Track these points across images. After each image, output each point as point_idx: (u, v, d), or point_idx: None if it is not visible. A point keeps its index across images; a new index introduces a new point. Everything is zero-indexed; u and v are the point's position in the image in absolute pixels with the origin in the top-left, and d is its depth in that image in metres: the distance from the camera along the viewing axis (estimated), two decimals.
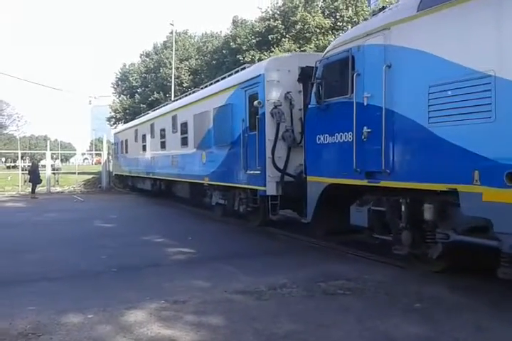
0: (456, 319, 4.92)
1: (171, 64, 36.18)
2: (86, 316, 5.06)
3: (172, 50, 35.69)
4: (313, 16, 28.43)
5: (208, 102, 13.18)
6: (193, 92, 17.94)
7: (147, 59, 42.63)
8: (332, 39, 25.66)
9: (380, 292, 5.90)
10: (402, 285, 6.23)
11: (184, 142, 15.25)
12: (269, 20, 29.64)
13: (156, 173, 18.95)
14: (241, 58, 29.33)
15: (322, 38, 28.42)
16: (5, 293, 6.14)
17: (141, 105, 38.19)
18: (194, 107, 14.40)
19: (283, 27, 29.14)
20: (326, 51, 8.16)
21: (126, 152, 24.96)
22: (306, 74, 9.38)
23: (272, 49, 28.24)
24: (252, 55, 29.05)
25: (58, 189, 27.21)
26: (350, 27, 30.30)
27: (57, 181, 28.61)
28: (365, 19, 30.73)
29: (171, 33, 38.55)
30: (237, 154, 11.03)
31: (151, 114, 21.11)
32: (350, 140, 7.18)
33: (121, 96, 43.37)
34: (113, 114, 44.08)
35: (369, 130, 6.77)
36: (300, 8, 28.46)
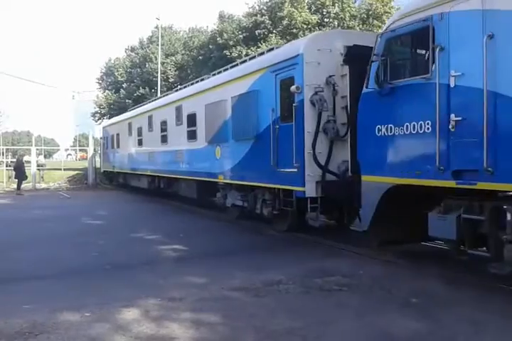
0: (453, 313, 4.87)
1: (156, 59, 35.39)
2: (83, 314, 4.88)
3: (158, 45, 35.23)
4: (300, 12, 28.22)
5: (224, 90, 11.31)
6: (190, 84, 16.20)
7: (132, 53, 41.66)
8: None
9: (375, 287, 5.80)
10: (397, 280, 6.13)
11: (191, 136, 13.40)
12: (256, 16, 29.38)
13: (155, 170, 17.00)
14: (228, 53, 29.08)
15: (309, 33, 28.46)
16: None
17: (127, 100, 37.36)
18: (205, 96, 12.44)
19: (270, 22, 28.90)
20: (389, 22, 6.64)
21: (118, 147, 23.01)
22: (353, 55, 8.00)
23: (259, 44, 28.16)
24: (239, 51, 28.79)
25: (43, 185, 26.13)
26: (336, 23, 30.51)
27: (42, 177, 28.14)
28: (352, 15, 30.98)
29: (157, 27, 37.95)
30: (265, 149, 9.36)
31: (149, 105, 19.01)
32: (429, 131, 5.70)
33: (106, 91, 42.66)
34: (98, 109, 43.42)
35: (459, 118, 5.34)
36: (287, 4, 28.18)
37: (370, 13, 28.34)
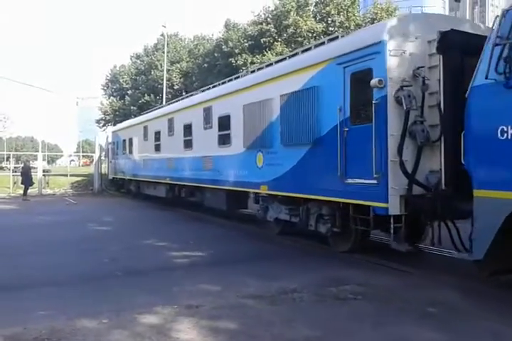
0: (473, 325, 4.80)
1: (162, 66, 35.61)
2: (100, 321, 4.88)
3: (163, 52, 35.42)
4: (306, 21, 28.36)
5: (269, 88, 9.89)
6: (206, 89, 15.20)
7: (138, 61, 41.92)
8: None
9: (391, 297, 5.75)
10: (412, 290, 6.09)
11: (224, 141, 12.00)
12: (262, 24, 29.49)
13: (176, 178, 15.50)
14: (233, 61, 29.32)
15: (314, 42, 28.62)
16: (12, 297, 5.96)
17: (132, 107, 37.62)
18: (243, 96, 11.00)
19: (275, 31, 29.08)
20: None
21: (130, 152, 21.46)
22: (450, 42, 6.69)
23: (265, 52, 28.32)
24: (245, 59, 28.92)
25: (49, 191, 26.38)
26: (341, 32, 30.66)
27: (48, 183, 28.21)
28: (357, 24, 31.18)
29: (162, 35, 38.20)
30: (327, 156, 8.00)
31: (169, 107, 17.37)
32: None
33: (111, 97, 43.00)
34: (102, 115, 43.64)
35: None
36: (292, 13, 28.42)
37: (375, 22, 28.47)
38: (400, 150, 6.77)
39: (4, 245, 9.93)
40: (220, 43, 31.08)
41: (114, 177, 25.79)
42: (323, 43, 9.11)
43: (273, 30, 28.67)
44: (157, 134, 17.54)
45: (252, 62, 27.25)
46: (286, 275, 6.97)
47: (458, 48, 6.61)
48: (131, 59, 43.37)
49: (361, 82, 7.34)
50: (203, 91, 14.89)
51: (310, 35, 28.40)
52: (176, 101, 17.53)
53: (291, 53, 10.47)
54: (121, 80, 40.73)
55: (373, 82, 6.93)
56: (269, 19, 29.30)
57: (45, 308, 5.42)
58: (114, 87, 42.48)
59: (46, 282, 6.78)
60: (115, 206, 19.82)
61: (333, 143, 7.90)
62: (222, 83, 13.42)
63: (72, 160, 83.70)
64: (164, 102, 28.12)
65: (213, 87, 14.03)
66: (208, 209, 13.95)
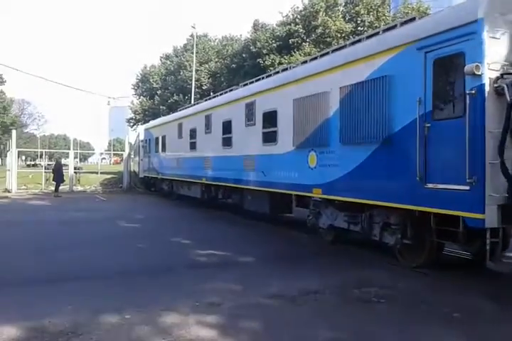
0: (500, 331, 4.67)
1: (191, 66, 35.88)
2: (123, 316, 4.94)
3: (192, 53, 35.74)
4: (334, 21, 28.11)
5: (325, 79, 8.82)
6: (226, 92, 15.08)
7: (167, 61, 42.47)
8: None
9: (415, 300, 5.65)
10: (437, 294, 5.97)
11: (269, 138, 10.95)
12: (290, 25, 29.39)
13: (212, 178, 14.68)
14: (261, 62, 29.33)
15: (343, 42, 28.38)
16: (40, 292, 6.06)
17: (161, 107, 38.22)
18: (293, 89, 9.91)
19: (303, 31, 28.96)
20: None
21: (164, 150, 20.64)
22: None
23: (293, 53, 28.23)
24: (272, 59, 28.87)
25: (80, 188, 26.79)
26: (370, 31, 30.24)
27: (79, 180, 28.81)
28: (387, 24, 30.73)
29: (191, 35, 38.48)
30: (402, 156, 6.96)
31: (206, 103, 16.39)
32: None
33: (141, 97, 43.64)
34: (132, 115, 44.40)
35: None
36: (321, 13, 28.23)
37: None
38: (501, 151, 5.71)
39: (37, 240, 10.18)
40: (248, 44, 31.12)
41: (145, 176, 25.07)
42: (394, 27, 7.91)
43: (301, 30, 28.53)
44: (193, 132, 16.68)
45: (280, 63, 27.17)
46: (310, 275, 6.94)
47: None
48: (160, 59, 43.92)
49: (448, 69, 6.35)
50: (244, 85, 13.80)
51: (339, 35, 28.16)
52: (214, 97, 16.60)
53: (352, 41, 9.17)
54: (151, 80, 41.25)
55: (469, 68, 5.79)
56: (297, 20, 29.17)
57: (71, 302, 5.52)
58: (145, 87, 43.05)
59: (74, 277, 6.92)
60: (143, 204, 20.01)
61: (409, 141, 6.77)
62: (268, 76, 12.36)
63: (104, 158, 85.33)
64: (192, 102, 28.32)
65: (256, 80, 12.98)
66: (247, 212, 13.36)
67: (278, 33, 29.60)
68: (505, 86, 5.68)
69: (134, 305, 5.34)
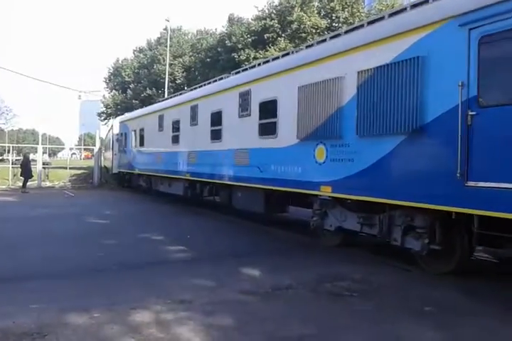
0: (471, 324, 4.71)
1: (164, 60, 35.37)
2: (91, 315, 4.78)
3: (166, 46, 35.25)
4: (310, 16, 28.15)
5: (339, 63, 7.87)
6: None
7: (140, 55, 41.86)
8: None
9: (387, 294, 5.68)
10: (408, 287, 6.00)
11: (267, 130, 9.94)
12: (266, 20, 29.29)
13: (198, 174, 13.48)
14: (236, 56, 29.18)
15: (318, 38, 28.47)
16: (4, 290, 5.81)
17: (134, 101, 37.68)
18: (298, 75, 8.88)
19: (279, 26, 28.91)
20: None
21: (141, 144, 19.44)
22: None
23: (268, 48, 28.17)
24: (248, 54, 28.77)
25: (48, 184, 25.98)
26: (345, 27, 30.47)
27: (47, 176, 28.13)
28: (361, 20, 31.01)
29: (165, 29, 38.08)
30: (437, 150, 6.07)
31: (191, 93, 15.14)
32: None
33: (113, 91, 42.91)
34: (104, 109, 43.61)
35: None
36: (296, 8, 28.22)
37: None
38: None
39: (1, 237, 9.83)
40: (224, 38, 30.91)
41: (120, 171, 23.75)
42: (426, 1, 6.80)
43: (277, 25, 28.48)
44: (176, 124, 15.40)
45: (255, 58, 27.07)
46: (283, 270, 6.85)
47: None
48: (133, 53, 43.27)
49: (500, 48, 5.47)
50: (236, 73, 12.71)
51: (314, 31, 28.23)
52: (200, 86, 15.20)
53: (372, 19, 8.06)
54: (123, 74, 40.60)
55: None
56: (273, 14, 29.11)
57: (36, 301, 5.28)
58: (117, 81, 42.36)
59: (39, 275, 6.66)
60: (115, 200, 19.51)
61: (447, 131, 5.86)
62: (265, 62, 11.31)
63: (74, 154, 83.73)
64: (166, 96, 27.97)
65: (251, 67, 11.96)
66: (227, 208, 12.67)
67: (253, 28, 29.48)
68: None
69: (103, 304, 5.18)
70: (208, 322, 4.73)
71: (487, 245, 5.99)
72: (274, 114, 9.68)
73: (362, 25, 8.05)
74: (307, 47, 9.65)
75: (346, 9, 28.61)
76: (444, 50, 6.05)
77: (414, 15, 6.81)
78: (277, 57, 10.75)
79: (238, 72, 12.65)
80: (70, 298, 5.52)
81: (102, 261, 7.58)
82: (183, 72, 36.11)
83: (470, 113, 5.59)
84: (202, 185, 14.01)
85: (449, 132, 5.80)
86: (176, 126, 15.43)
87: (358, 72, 7.30)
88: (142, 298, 5.42)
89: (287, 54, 10.42)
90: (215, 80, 13.98)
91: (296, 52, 10.00)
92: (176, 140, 15.39)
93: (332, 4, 28.51)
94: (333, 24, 29.14)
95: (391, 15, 7.44)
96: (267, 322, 4.76)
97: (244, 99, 10.96)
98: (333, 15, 28.79)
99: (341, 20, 28.56)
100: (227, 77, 13.32)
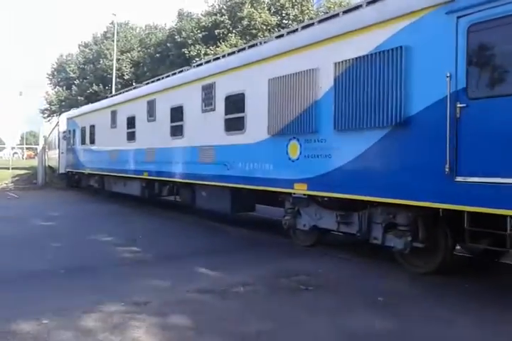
0: (422, 312, 4.88)
1: (111, 55, 34.20)
2: (41, 322, 4.55)
3: (113, 41, 34.28)
4: (260, 13, 28.30)
5: (314, 54, 7.45)
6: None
7: (86, 49, 40.47)
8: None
9: (342, 287, 5.81)
10: (362, 279, 6.15)
11: (234, 126, 9.46)
12: (216, 15, 29.16)
13: (157, 173, 12.80)
14: (186, 52, 28.84)
15: (268, 34, 28.55)
16: None
17: (79, 97, 36.43)
18: (269, 67, 8.44)
19: (230, 22, 28.87)
20: None
21: (92, 142, 18.26)
22: None
23: (219, 44, 28.02)
24: (198, 49, 28.52)
25: None
26: (295, 25, 30.76)
27: None
28: (311, 18, 31.36)
29: (112, 23, 37.06)
30: (422, 144, 5.81)
31: (149, 87, 14.25)
32: None
33: (57, 87, 41.38)
34: (48, 106, 41.99)
35: None
36: (247, 4, 28.34)
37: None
38: None
39: None
40: (173, 33, 30.48)
41: (68, 171, 22.39)
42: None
43: (227, 21, 28.39)
44: (131, 120, 14.52)
45: (206, 54, 26.85)
46: (239, 267, 6.83)
47: None
48: (79, 47, 41.74)
49: (490, 37, 5.21)
50: (198, 65, 12.13)
51: (264, 27, 28.32)
52: (158, 79, 14.38)
53: (349, 8, 7.58)
54: (68, 69, 39.13)
55: None
56: (223, 10, 28.99)
57: None
58: (61, 77, 40.82)
59: None
60: (62, 201, 18.59)
61: (434, 125, 5.62)
62: (230, 54, 10.71)
63: (16, 153, 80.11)
64: (113, 92, 27.27)
65: (215, 59, 11.40)
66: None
67: (204, 23, 29.24)
68: None
69: (52, 309, 4.92)
70: (163, 323, 4.64)
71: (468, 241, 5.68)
72: (242, 109, 9.17)
73: (337, 14, 7.68)
74: (277, 37, 9.22)
75: (296, 6, 28.87)
76: (431, 40, 5.75)
77: (397, 2, 6.44)
78: (243, 49, 10.29)
79: (200, 64, 12.06)
80: (16, 304, 5.20)
81: (50, 265, 7.22)
82: (131, 68, 35.25)
83: (459, 105, 5.36)
84: (161, 185, 13.36)
85: (437, 125, 5.55)
86: (131, 122, 14.56)
87: (336, 64, 6.94)
88: (94, 302, 5.19)
89: (254, 45, 9.98)
90: (175, 73, 13.28)
91: (265, 42, 9.55)
92: (131, 137, 14.55)
93: (282, 1, 28.70)
94: (284, 21, 29.36)
95: (370, 3, 6.95)
96: (224, 319, 4.72)
97: (208, 92, 10.38)
98: (283, 12, 28.98)
99: (291, 17, 28.82)
100: (188, 69, 12.71)
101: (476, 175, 5.19)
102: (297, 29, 8.58)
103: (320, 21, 8.04)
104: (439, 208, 5.74)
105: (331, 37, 7.21)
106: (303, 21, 28.81)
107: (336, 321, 4.68)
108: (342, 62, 6.85)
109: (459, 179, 5.35)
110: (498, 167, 5.00)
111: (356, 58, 6.63)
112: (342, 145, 6.98)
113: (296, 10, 28.71)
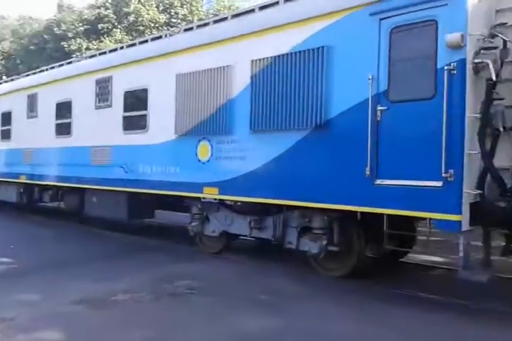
0: (302, 308, 5.05)
1: None
2: None
3: None
4: (148, 10, 27.45)
5: (229, 50, 7.08)
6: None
7: None
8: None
9: (225, 288, 5.78)
10: (246, 280, 6.19)
11: (134, 125, 8.66)
12: (100, 9, 27.67)
13: (39, 176, 11.37)
14: (66, 46, 26.89)
15: (156, 32, 27.81)
16: None
17: None
18: (177, 61, 7.89)
19: (115, 17, 27.55)
20: None
21: None
22: None
23: (102, 39, 26.56)
24: (79, 44, 26.79)
25: None
26: (184, 25, 30.28)
27: None
28: (200, 19, 31.03)
29: None
30: (343, 146, 5.71)
31: (29, 79, 12.81)
32: None
33: None
34: None
35: None
36: (134, 0, 27.37)
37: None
38: (481, 139, 4.84)
39: None
40: (52, 25, 28.29)
41: None
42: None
43: (112, 16, 27.05)
44: (5, 116, 13.00)
45: (88, 48, 25.37)
46: (120, 274, 6.45)
47: None
48: None
49: (412, 40, 5.20)
50: (91, 57, 11.11)
51: (152, 25, 27.51)
52: (41, 71, 13.01)
53: (265, 4, 7.14)
54: None
55: (452, 38, 4.74)
56: (108, 4, 27.59)
57: None
58: None
59: None
60: None
61: (356, 127, 5.54)
62: (130, 46, 9.91)
63: None
64: None
65: (111, 51, 10.38)
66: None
67: (86, 16, 27.57)
68: (489, 62, 4.76)
69: None
70: (33, 339, 4.23)
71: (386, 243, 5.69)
72: (145, 106, 8.43)
73: (253, 10, 7.32)
74: (185, 30, 8.64)
75: (185, 6, 28.50)
76: (353, 41, 5.63)
77: (318, 1, 6.27)
78: (146, 41, 9.52)
79: (94, 55, 11.05)
80: None
81: None
82: (2, 60, 32.07)
83: (380, 108, 5.35)
84: (42, 190, 11.91)
85: (358, 128, 5.47)
86: (5, 119, 12.99)
87: (253, 61, 6.60)
88: None
89: (159, 37, 9.27)
90: (62, 65, 12.01)
91: (171, 35, 8.92)
92: (6, 135, 12.94)
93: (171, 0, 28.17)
94: (172, 20, 28.79)
95: (288, 0, 6.68)
96: (104, 331, 4.42)
97: (104, 87, 9.37)
98: (172, 10, 28.43)
99: (180, 16, 28.37)
100: (78, 61, 11.59)
101: (395, 177, 5.21)
102: (209, 23, 8.16)
103: (234, 16, 7.67)
104: (357, 211, 5.68)
105: (248, 33, 6.83)
106: (192, 21, 28.56)
107: (220, 323, 4.64)
108: (260, 60, 6.53)
109: (378, 182, 5.33)
110: (413, 170, 5.08)
111: (275, 57, 6.33)
112: (258, 147, 6.67)
113: (185, 9, 28.31)
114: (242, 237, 7.77)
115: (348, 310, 5.03)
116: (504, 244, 5.45)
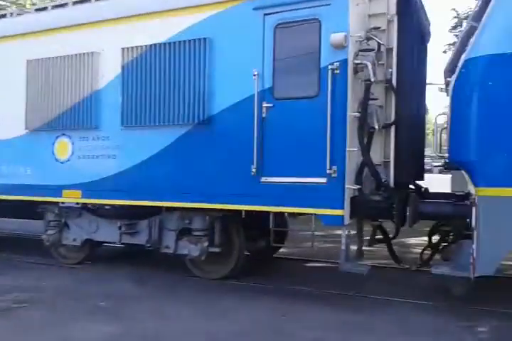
0: (142, 310, 4.96)
1: None
2: None
3: None
4: None
5: (95, 35, 6.47)
6: None
7: None
8: None
9: (61, 298, 5.41)
10: (84, 286, 5.88)
11: None
12: None
13: None
14: None
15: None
16: None
17: None
18: (28, 45, 7.02)
19: None
20: None
21: None
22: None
23: None
24: None
25: None
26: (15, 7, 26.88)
27: None
28: (33, 4, 27.80)
29: None
30: (227, 143, 5.56)
31: None
32: None
33: None
34: None
35: None
36: None
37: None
38: (360, 136, 5.05)
39: None
40: None
41: None
42: None
43: None
44: None
45: None
46: None
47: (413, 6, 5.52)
48: None
49: (296, 38, 5.23)
50: None
51: None
52: None
53: None
54: None
55: (336, 38, 4.83)
56: None
57: None
58: None
59: None
60: None
61: (241, 124, 5.43)
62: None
63: None
64: None
65: None
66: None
67: None
68: (368, 64, 4.98)
69: None
70: None
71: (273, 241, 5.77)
72: None
73: None
74: (37, 10, 7.59)
75: None
76: (238, 35, 5.49)
77: None
78: None
79: None
80: None
81: None
82: None
83: (265, 105, 5.33)
84: None
85: (244, 124, 5.39)
86: None
87: (124, 49, 6.11)
88: None
89: (3, 16, 7.94)
90: None
91: (19, 14, 7.78)
92: None
93: None
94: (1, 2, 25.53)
95: None
96: None
97: None
98: None
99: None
100: None
101: (281, 175, 5.25)
102: (67, 3, 7.20)
103: None
104: (241, 210, 5.58)
105: (117, 18, 6.26)
106: (24, 5, 25.53)
107: (50, 334, 4.29)
108: (133, 48, 6.04)
109: (263, 180, 5.32)
110: (299, 167, 5.17)
111: (152, 45, 5.92)
112: (132, 144, 6.15)
113: None
114: (108, 244, 7.14)
115: (192, 307, 5.02)
116: (371, 235, 5.96)
